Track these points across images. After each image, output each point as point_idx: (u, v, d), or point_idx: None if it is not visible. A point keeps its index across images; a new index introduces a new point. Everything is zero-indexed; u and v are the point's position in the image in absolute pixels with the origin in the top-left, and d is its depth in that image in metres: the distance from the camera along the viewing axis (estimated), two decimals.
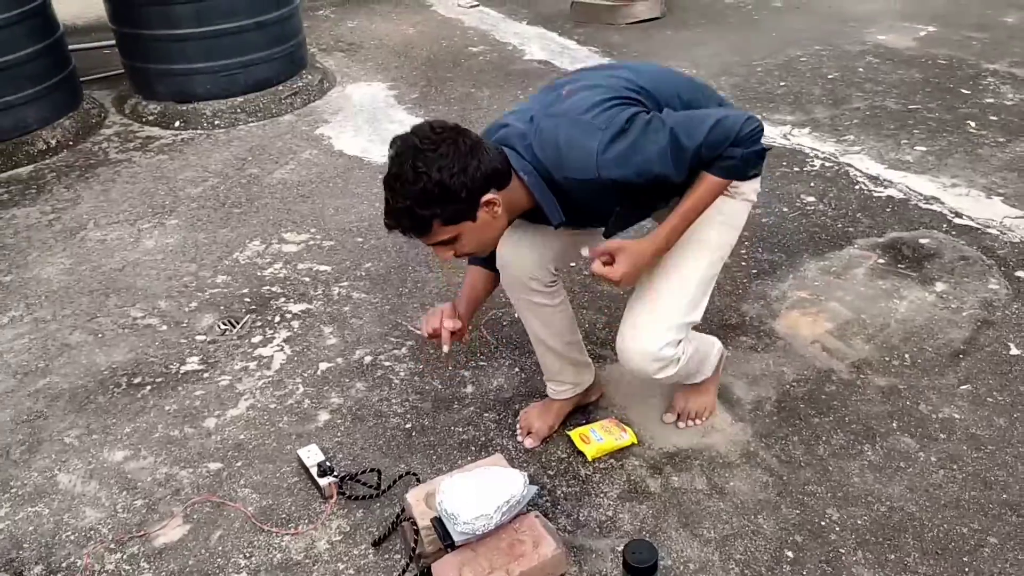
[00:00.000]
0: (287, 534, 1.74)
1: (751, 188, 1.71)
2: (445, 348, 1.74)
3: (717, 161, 1.51)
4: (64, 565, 1.69)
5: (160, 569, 1.67)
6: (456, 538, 1.51)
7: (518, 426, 1.99)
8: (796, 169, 3.15)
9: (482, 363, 2.21)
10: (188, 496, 1.84)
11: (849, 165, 3.16)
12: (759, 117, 1.53)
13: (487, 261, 1.80)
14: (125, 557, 1.71)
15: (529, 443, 1.94)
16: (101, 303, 2.53)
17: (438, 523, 1.54)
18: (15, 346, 2.35)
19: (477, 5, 5.48)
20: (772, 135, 3.43)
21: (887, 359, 2.16)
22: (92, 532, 1.77)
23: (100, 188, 3.22)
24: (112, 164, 3.41)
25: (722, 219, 1.68)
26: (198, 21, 3.65)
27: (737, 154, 1.50)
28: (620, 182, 1.48)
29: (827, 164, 3.18)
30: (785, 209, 2.88)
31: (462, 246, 1.53)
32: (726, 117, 1.49)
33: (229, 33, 3.71)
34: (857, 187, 3.01)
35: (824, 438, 1.93)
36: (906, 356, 2.17)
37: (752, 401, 2.05)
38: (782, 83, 3.98)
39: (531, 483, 1.62)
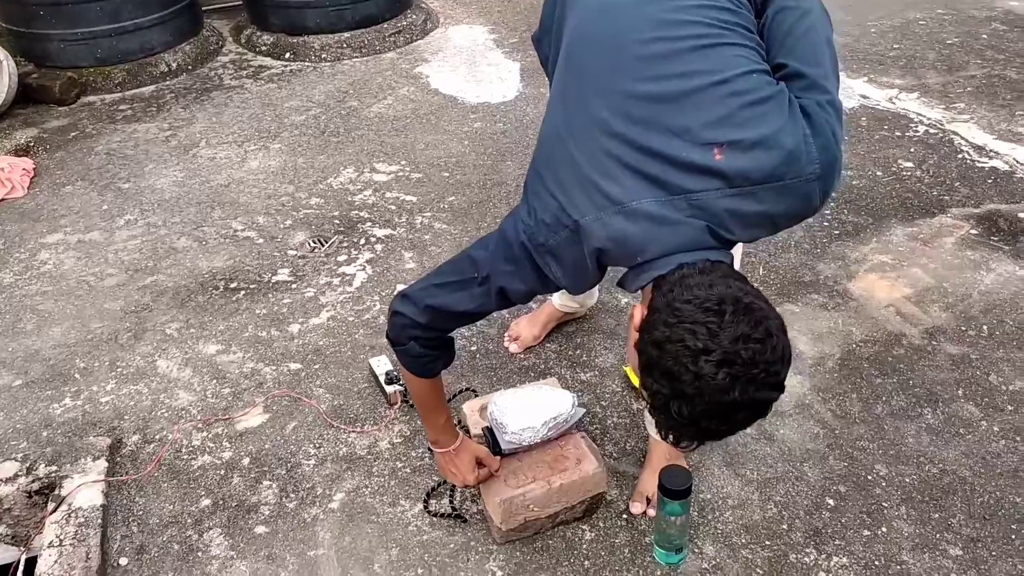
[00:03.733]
0: (353, 432, 1.88)
1: None
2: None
3: None
4: (157, 437, 1.89)
5: (240, 449, 1.85)
6: (503, 447, 1.60)
7: (506, 334, 2.13)
8: (897, 134, 3.04)
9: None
10: (269, 389, 2.01)
11: (955, 133, 3.02)
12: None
13: (446, 364, 1.52)
14: (210, 436, 1.89)
15: (514, 349, 2.09)
16: (207, 214, 2.73)
17: (488, 432, 1.64)
18: (128, 246, 2.58)
19: None
20: (877, 98, 3.30)
21: (963, 328, 2.11)
22: (183, 412, 1.96)
23: (213, 110, 3.43)
24: (226, 89, 3.62)
25: None
26: None
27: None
28: None
29: (931, 131, 3.04)
30: (879, 173, 2.79)
31: None
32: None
33: None
34: (960, 156, 2.88)
35: (884, 398, 1.92)
36: (984, 328, 2.11)
37: (814, 356, 2.05)
38: (896, 45, 3.80)
39: (580, 406, 1.70)
